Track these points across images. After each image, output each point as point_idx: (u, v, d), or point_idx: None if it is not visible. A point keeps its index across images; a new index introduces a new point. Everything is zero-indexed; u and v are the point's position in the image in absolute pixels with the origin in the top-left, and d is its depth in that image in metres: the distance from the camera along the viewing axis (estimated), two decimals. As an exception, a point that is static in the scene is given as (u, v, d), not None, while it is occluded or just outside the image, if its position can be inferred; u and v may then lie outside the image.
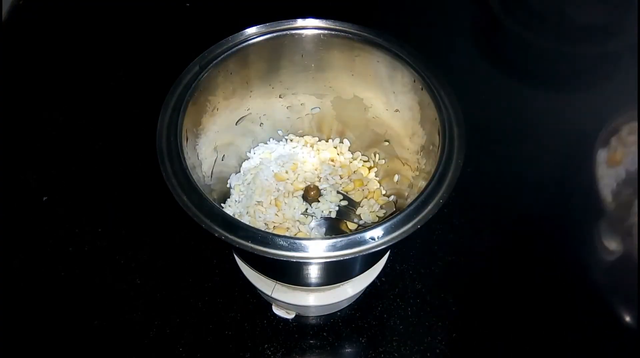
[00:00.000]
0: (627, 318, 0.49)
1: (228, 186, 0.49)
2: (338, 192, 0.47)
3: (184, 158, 0.36)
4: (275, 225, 0.45)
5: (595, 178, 0.46)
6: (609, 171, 0.51)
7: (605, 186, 0.50)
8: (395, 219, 0.33)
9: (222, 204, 0.47)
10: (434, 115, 0.39)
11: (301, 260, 0.32)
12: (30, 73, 0.68)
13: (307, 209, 0.46)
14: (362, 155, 0.51)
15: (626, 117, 0.52)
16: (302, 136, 0.52)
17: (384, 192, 0.49)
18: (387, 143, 0.48)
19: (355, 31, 0.43)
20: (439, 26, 0.76)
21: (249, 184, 0.48)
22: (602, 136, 0.49)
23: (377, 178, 0.50)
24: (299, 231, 0.45)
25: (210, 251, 0.53)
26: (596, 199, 0.45)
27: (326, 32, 0.43)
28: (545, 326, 0.49)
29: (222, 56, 0.41)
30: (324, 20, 0.43)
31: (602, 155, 0.51)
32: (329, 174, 0.49)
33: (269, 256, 0.32)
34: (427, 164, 0.41)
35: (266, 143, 0.52)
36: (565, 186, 0.57)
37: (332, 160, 0.51)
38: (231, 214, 0.43)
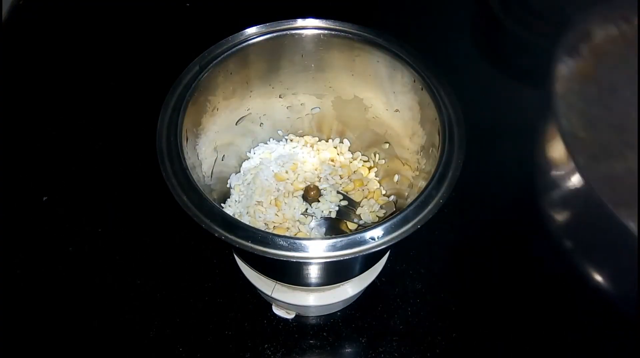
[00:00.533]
0: (597, 278, 0.42)
1: (228, 186, 0.49)
2: (338, 192, 0.47)
3: (184, 158, 0.36)
4: (275, 224, 0.45)
5: (553, 95, 0.35)
6: (574, 86, 0.39)
7: (567, 104, 0.39)
8: (395, 219, 0.33)
9: (222, 204, 0.47)
10: (434, 115, 0.39)
11: (301, 260, 0.32)
12: (30, 73, 0.68)
13: (307, 209, 0.46)
14: (362, 155, 0.51)
15: (598, 17, 0.40)
16: (302, 136, 0.52)
17: (384, 192, 0.49)
18: (387, 145, 0.48)
19: (355, 31, 0.43)
20: (439, 26, 0.76)
21: (249, 184, 0.48)
22: (566, 41, 0.38)
23: (377, 178, 0.50)
24: (299, 231, 0.45)
25: (210, 251, 0.53)
26: (551, 119, 0.35)
27: (326, 32, 0.43)
28: (545, 326, 0.49)
29: (222, 56, 0.41)
30: (324, 20, 0.43)
31: (566, 66, 0.39)
32: (329, 174, 0.49)
33: (269, 256, 0.32)
34: (427, 164, 0.41)
35: (266, 143, 0.52)
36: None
37: (332, 160, 0.51)
38: (231, 214, 0.43)
